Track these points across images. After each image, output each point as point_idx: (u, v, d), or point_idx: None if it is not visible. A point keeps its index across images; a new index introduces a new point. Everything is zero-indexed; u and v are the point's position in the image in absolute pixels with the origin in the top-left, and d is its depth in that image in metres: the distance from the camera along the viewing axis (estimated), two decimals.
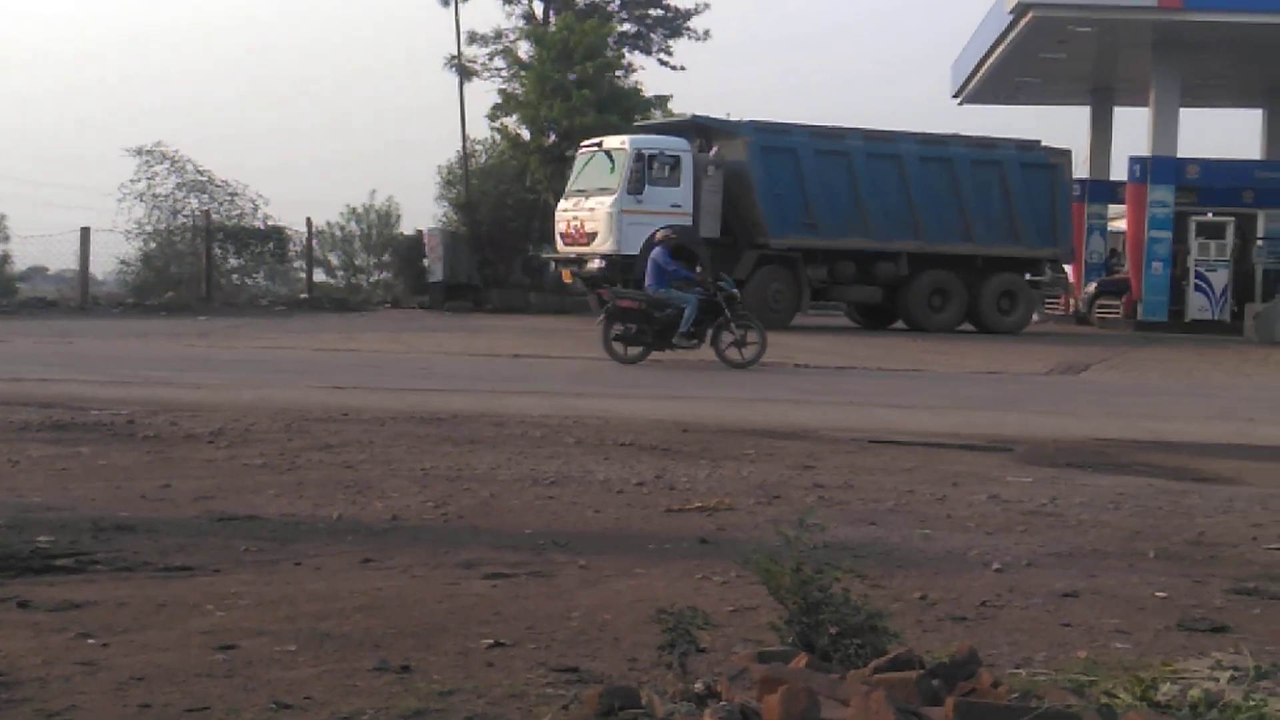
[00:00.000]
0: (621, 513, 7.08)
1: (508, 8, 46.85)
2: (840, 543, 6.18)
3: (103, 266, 32.78)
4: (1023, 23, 32.99)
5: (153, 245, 32.19)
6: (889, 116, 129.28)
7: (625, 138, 28.00)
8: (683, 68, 46.77)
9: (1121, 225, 38.51)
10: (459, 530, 6.47)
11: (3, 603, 4.82)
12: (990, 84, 41.04)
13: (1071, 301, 40.72)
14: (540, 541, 6.22)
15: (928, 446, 10.60)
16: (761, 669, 3.58)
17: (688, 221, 26.62)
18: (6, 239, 30.91)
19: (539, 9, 46.37)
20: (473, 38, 46.03)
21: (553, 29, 41.63)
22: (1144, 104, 35.86)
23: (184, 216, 32.54)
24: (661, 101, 41.68)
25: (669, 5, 46.23)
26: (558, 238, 28.68)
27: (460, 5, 45.33)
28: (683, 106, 38.63)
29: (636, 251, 25.79)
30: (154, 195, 32.37)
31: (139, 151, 32.42)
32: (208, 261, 30.86)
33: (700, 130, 28.92)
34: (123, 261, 32.38)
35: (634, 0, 46.51)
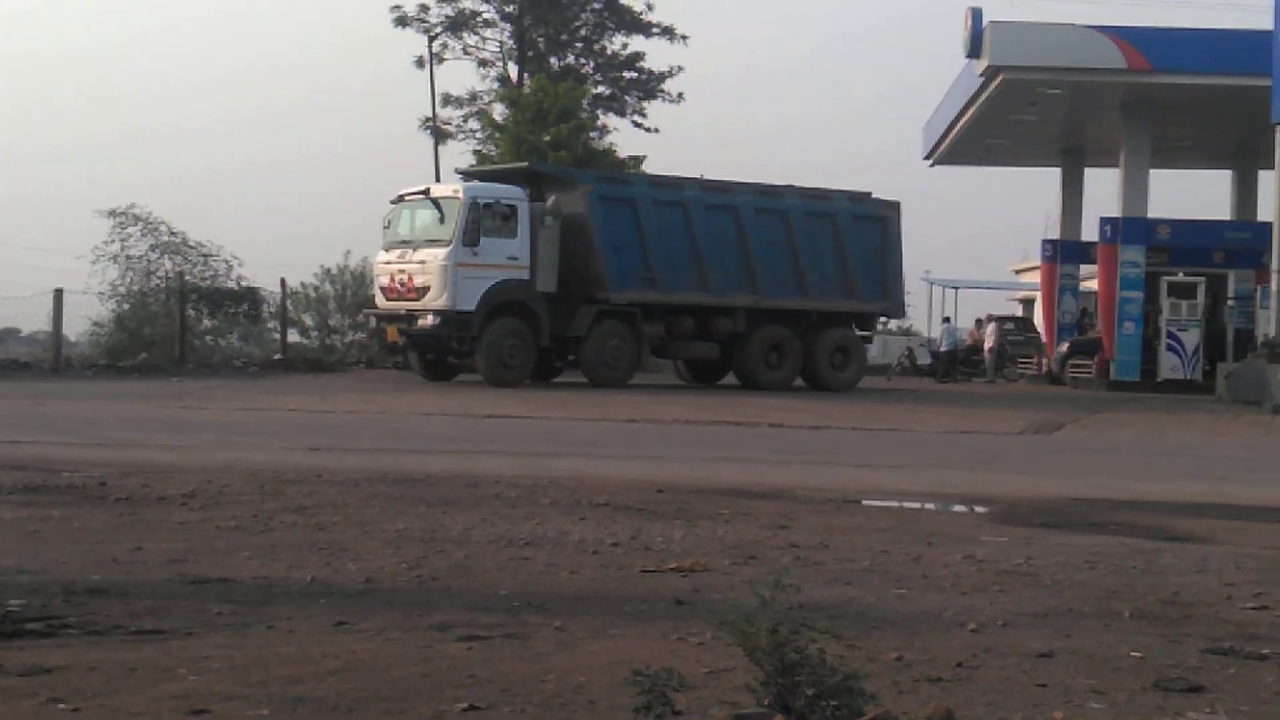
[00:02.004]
0: (597, 574, 7.06)
1: (482, 70, 47.34)
2: (816, 603, 6.17)
3: (76, 328, 32.72)
4: (993, 85, 33.35)
5: (126, 307, 32.11)
6: (861, 179, 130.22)
7: (458, 185, 26.85)
8: (656, 129, 47.01)
9: (1093, 285, 38.79)
10: (433, 592, 6.44)
11: None
12: (961, 145, 41.42)
13: (1044, 361, 40.95)
14: (515, 603, 6.19)
15: (903, 506, 10.61)
16: None
17: (524, 275, 26.00)
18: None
19: (514, 71, 46.74)
20: (447, 100, 46.41)
21: (527, 91, 41.91)
22: (1114, 165, 36.26)
23: (158, 278, 32.49)
24: (636, 162, 41.95)
25: (643, 68, 46.63)
26: (378, 292, 27.32)
27: (435, 68, 45.77)
28: (657, 167, 38.83)
29: (473, 307, 25.29)
30: (127, 257, 32.33)
31: (112, 213, 32.41)
32: (181, 323, 30.80)
33: (533, 178, 27.85)
34: (96, 323, 32.31)
35: (608, 63, 46.91)
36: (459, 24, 46.21)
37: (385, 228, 27.12)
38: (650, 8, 46.22)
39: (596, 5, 46.56)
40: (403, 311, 25.96)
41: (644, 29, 46.25)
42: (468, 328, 25.37)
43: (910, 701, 4.58)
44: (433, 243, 25.79)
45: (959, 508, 10.94)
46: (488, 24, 46.84)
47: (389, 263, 26.57)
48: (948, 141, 40.82)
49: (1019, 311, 56.20)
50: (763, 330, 28.45)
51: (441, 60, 46.14)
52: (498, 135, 42.05)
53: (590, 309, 26.68)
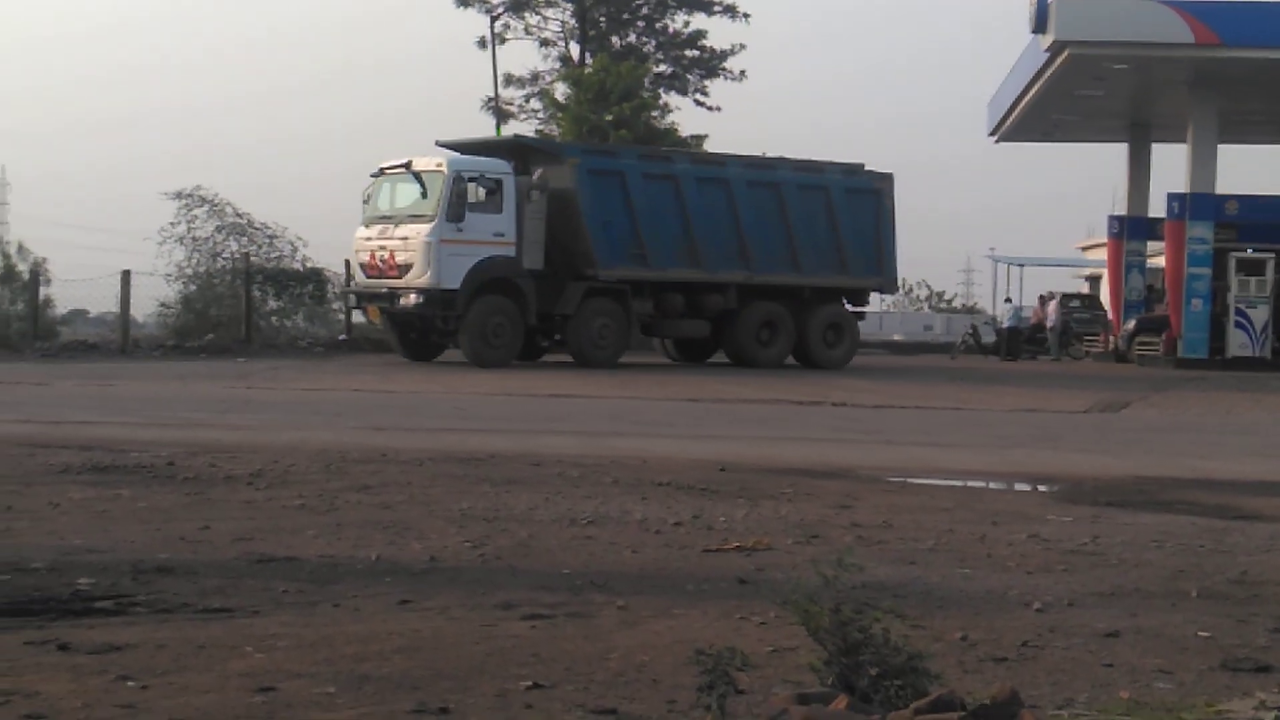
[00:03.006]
0: (659, 553, 7.07)
1: (544, 50, 47.25)
2: (879, 582, 6.15)
3: (143, 309, 33.02)
4: (1059, 60, 32.98)
5: (193, 288, 32.37)
6: (926, 154, 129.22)
7: (441, 159, 25.56)
8: (719, 108, 46.79)
9: (1160, 262, 38.36)
10: (497, 571, 6.47)
11: (43, 645, 4.84)
12: (1027, 122, 41.01)
13: (1111, 339, 40.56)
14: (578, 582, 6.21)
15: (967, 485, 10.56)
16: (801, 711, 3.56)
17: (510, 251, 25.09)
18: (48, 283, 31.09)
19: (575, 51, 46.67)
20: (509, 80, 46.41)
21: (589, 71, 41.88)
22: (1182, 140, 35.77)
23: (223, 259, 32.72)
24: (698, 141, 41.84)
25: (705, 46, 46.43)
26: (357, 270, 26.50)
27: (497, 48, 45.81)
28: (719, 146, 38.73)
29: (458, 285, 24.39)
30: (194, 238, 32.58)
31: (178, 195, 32.67)
32: (247, 304, 31.03)
33: (520, 151, 26.70)
34: (163, 304, 32.59)
35: (670, 41, 46.75)
36: (521, 4, 46.19)
37: (365, 202, 26.14)
38: None
39: None
40: (384, 290, 25.10)
41: (705, 7, 46.04)
42: (452, 306, 24.50)
43: (975, 681, 4.56)
44: (415, 218, 24.91)
45: (1024, 486, 10.87)
46: (549, 3, 46.77)
47: (369, 239, 25.64)
48: (1013, 118, 40.42)
49: (1085, 289, 55.69)
50: (754, 307, 27.72)
51: (503, 40, 46.15)
52: (559, 115, 42.05)
53: (578, 286, 25.78)
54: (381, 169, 26.08)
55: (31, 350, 27.23)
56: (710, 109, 46.76)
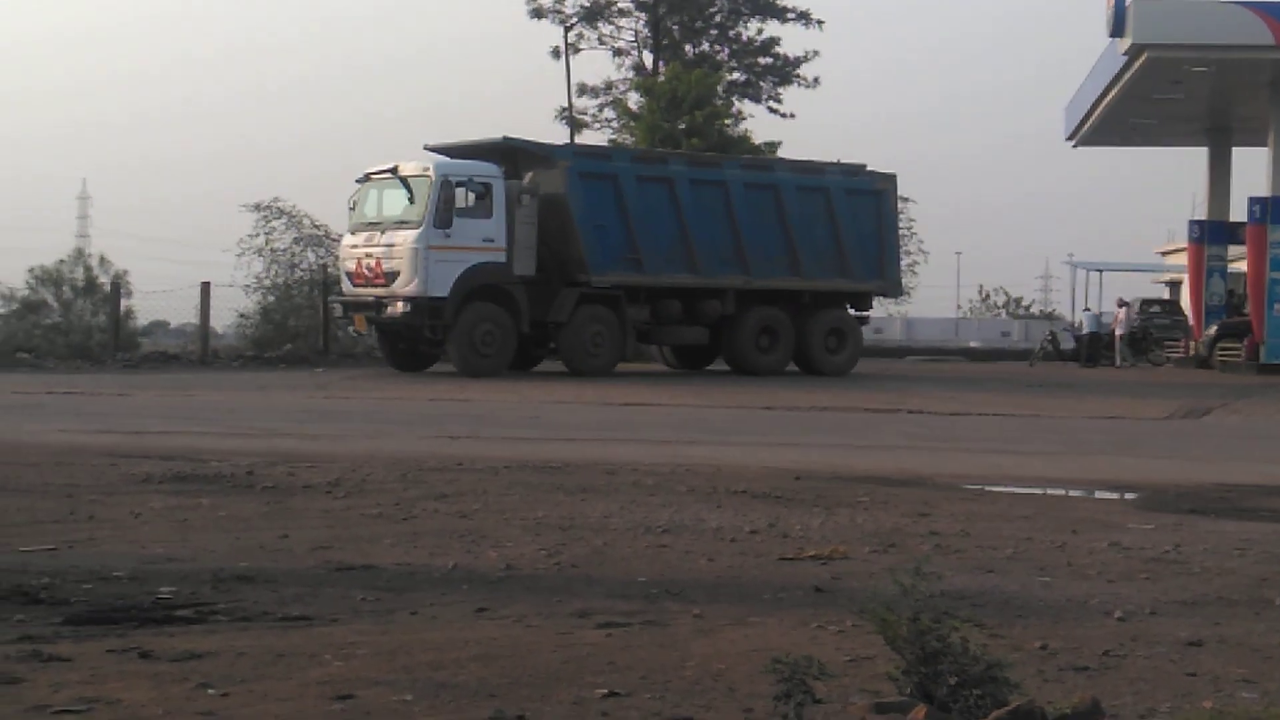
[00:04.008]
0: (735, 561, 7.05)
1: (617, 59, 47.39)
2: (958, 591, 6.10)
3: (222, 320, 33.35)
4: (1137, 64, 32.65)
5: (271, 299, 32.69)
6: (1004, 160, 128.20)
7: (428, 163, 24.81)
8: (792, 115, 46.72)
9: (1242, 267, 37.87)
10: (572, 579, 6.48)
11: (125, 653, 4.89)
12: (1104, 126, 40.63)
13: (1191, 344, 40.10)
14: (653, 590, 6.20)
15: (1046, 493, 10.45)
16: None
17: (501, 257, 24.38)
18: (129, 295, 31.47)
19: (648, 60, 46.76)
20: (583, 89, 46.56)
21: (662, 79, 41.94)
22: (1263, 144, 35.29)
23: (301, 270, 33.01)
24: (771, 148, 41.76)
25: (778, 53, 46.37)
26: (344, 278, 25.75)
27: (570, 58, 45.99)
28: (792, 153, 38.60)
29: (446, 293, 23.72)
30: (272, 250, 32.88)
31: (257, 207, 33.01)
32: (325, 314, 31.27)
33: (510, 154, 25.81)
34: (242, 315, 32.92)
35: (743, 49, 46.74)
36: (594, 14, 46.34)
37: (351, 209, 25.54)
38: None
39: None
40: (370, 298, 24.39)
41: (779, 14, 46.00)
42: (440, 315, 23.82)
43: (1056, 691, 4.51)
44: (402, 224, 24.21)
45: (1104, 494, 10.75)
46: (623, 13, 46.92)
47: (356, 246, 25.01)
48: (1091, 122, 40.05)
49: (1165, 294, 55.08)
50: (753, 312, 26.99)
51: (577, 50, 46.32)
52: (633, 124, 42.14)
53: (571, 293, 25.05)
54: (367, 174, 25.42)
55: (113, 361, 27.60)
56: (784, 116, 46.74)
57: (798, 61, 46.30)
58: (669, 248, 26.12)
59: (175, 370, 26.75)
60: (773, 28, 46.44)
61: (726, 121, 41.83)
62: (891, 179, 29.49)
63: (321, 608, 5.73)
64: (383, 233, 24.48)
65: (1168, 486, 10.79)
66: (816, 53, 46.37)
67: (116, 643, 5.04)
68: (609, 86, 46.84)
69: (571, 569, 6.74)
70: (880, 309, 69.76)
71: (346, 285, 25.58)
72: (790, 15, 45.92)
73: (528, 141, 25.86)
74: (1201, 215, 41.87)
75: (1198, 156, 43.06)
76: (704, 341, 27.28)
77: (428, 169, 24.39)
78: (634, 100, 44.04)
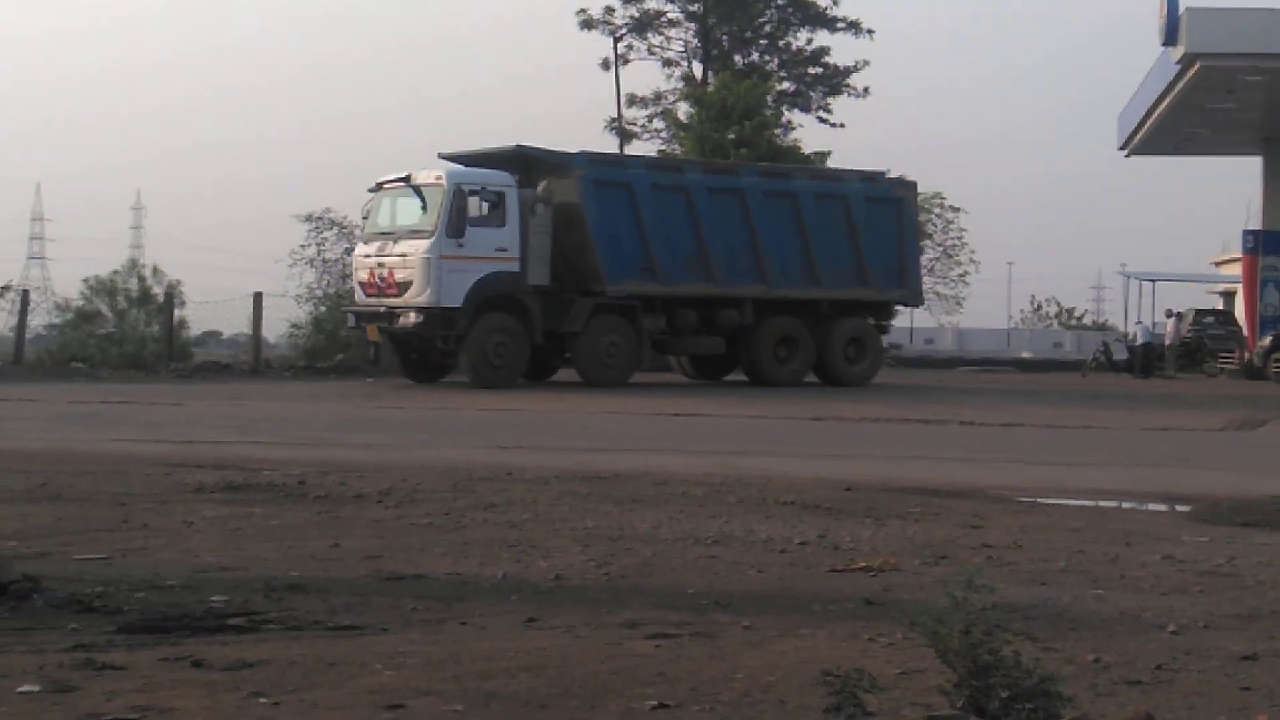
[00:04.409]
0: (785, 572, 7.03)
1: (667, 70, 47.50)
2: (1010, 604, 6.05)
3: (274, 330, 33.64)
4: (1190, 73, 32.44)
5: (323, 309, 32.88)
6: (1055, 170, 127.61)
7: (440, 171, 24.54)
8: (842, 125, 46.67)
9: None
10: (621, 590, 6.47)
11: (178, 661, 4.92)
12: (1158, 135, 40.39)
13: (1245, 355, 39.78)
14: (703, 601, 6.19)
15: (1098, 505, 10.38)
16: None
17: (515, 267, 24.15)
18: (183, 305, 31.74)
19: (698, 70, 46.82)
20: (633, 100, 46.69)
21: (711, 89, 41.97)
22: None
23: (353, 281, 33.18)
24: (821, 158, 41.73)
25: (828, 63, 46.34)
26: (356, 288, 25.55)
27: (620, 69, 46.09)
28: (842, 163, 38.55)
29: (459, 303, 23.50)
30: (323, 260, 33.11)
31: (308, 218, 33.22)
32: None
33: (523, 162, 25.52)
34: (294, 325, 33.16)
35: (793, 59, 46.73)
36: (644, 25, 46.45)
37: (364, 218, 25.49)
38: (835, 2, 46.00)
39: (781, 1, 46.43)
40: (382, 309, 24.21)
41: (829, 23, 46.00)
42: (453, 325, 23.62)
43: (1109, 705, 4.47)
44: (414, 234, 23.98)
45: (1157, 506, 10.66)
46: (672, 24, 47.05)
47: (368, 256, 24.86)
48: (1144, 131, 39.82)
49: (1219, 305, 54.61)
50: (771, 322, 26.73)
51: (626, 61, 46.45)
52: (682, 134, 42.19)
53: (585, 303, 24.87)
54: (380, 183, 25.26)
55: (166, 371, 27.83)
56: (833, 125, 46.69)
57: (847, 71, 46.28)
58: (685, 257, 25.88)
59: (228, 380, 26.93)
60: (822, 37, 46.45)
61: (776, 131, 41.85)
62: (912, 186, 29.27)
63: (372, 617, 5.75)
64: (395, 242, 24.29)
65: (1222, 499, 10.68)
66: (866, 62, 46.37)
67: (169, 651, 5.07)
68: (658, 97, 46.98)
69: (621, 579, 6.74)
70: (931, 319, 69.59)
71: (359, 295, 25.35)
72: (840, 25, 45.90)
73: (541, 149, 25.60)
74: (1256, 225, 41.55)
75: (1252, 166, 42.74)
76: (721, 351, 27.00)
77: (440, 178, 24.15)
78: (683, 110, 44.15)
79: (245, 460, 11.68)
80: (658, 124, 46.47)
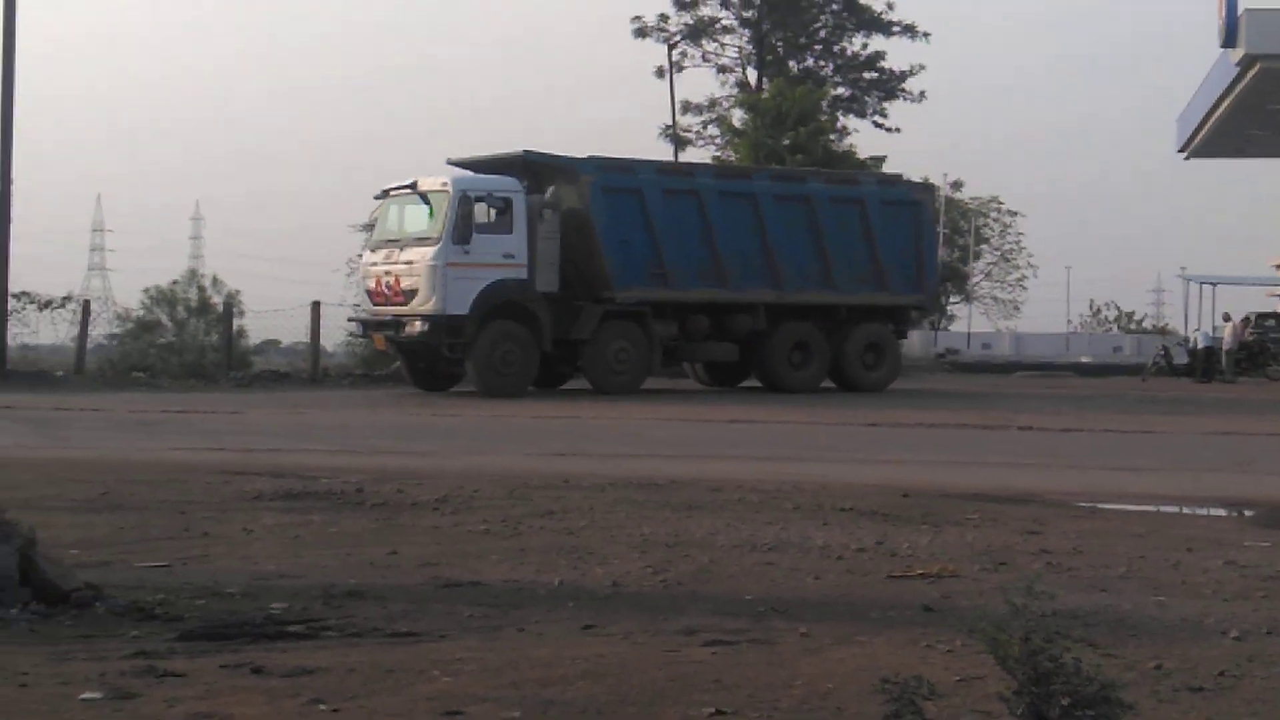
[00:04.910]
0: (842, 579, 7.00)
1: (721, 76, 47.49)
2: (1070, 610, 6.00)
3: (332, 339, 33.71)
4: (1250, 75, 32.15)
5: None
6: (1114, 172, 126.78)
7: (446, 178, 24.31)
8: (898, 129, 46.49)
9: None
10: (678, 596, 6.47)
11: (238, 669, 4.95)
12: (1217, 138, 40.03)
13: None
14: (760, 608, 6.18)
15: (1159, 510, 10.29)
16: None
17: (522, 274, 23.82)
18: (241, 314, 31.95)
19: (752, 76, 46.77)
20: (687, 107, 46.69)
21: (766, 95, 41.93)
22: None
23: None
24: (876, 163, 41.59)
25: (883, 68, 46.19)
26: (365, 296, 25.28)
27: (674, 76, 46.11)
28: (898, 168, 38.40)
29: (466, 311, 23.25)
30: None
31: (365, 227, 33.38)
32: None
33: (531, 168, 25.18)
34: (351, 334, 33.29)
35: (848, 64, 46.61)
36: (698, 32, 46.46)
37: (371, 226, 25.11)
38: (891, 6, 45.87)
39: (835, 6, 46.32)
40: (389, 317, 24.00)
41: (884, 28, 45.86)
42: (459, 333, 23.35)
43: (1170, 711, 4.44)
44: (421, 241, 23.75)
45: (1219, 511, 10.56)
46: (726, 30, 47.04)
47: (375, 264, 24.61)
48: (1203, 134, 39.47)
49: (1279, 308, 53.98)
50: (786, 328, 26.33)
51: (681, 68, 46.45)
52: (737, 141, 42.17)
53: (595, 309, 24.51)
54: (386, 190, 25.06)
55: (225, 380, 28.03)
56: (889, 130, 46.54)
57: (903, 75, 46.13)
58: (697, 262, 25.53)
59: (286, 388, 27.10)
60: (878, 42, 46.30)
61: (831, 137, 41.75)
62: (930, 189, 28.95)
63: (430, 624, 5.77)
64: (401, 250, 24.08)
65: None
66: (922, 66, 46.22)
67: (230, 658, 5.11)
68: (713, 104, 46.93)
69: (678, 586, 6.73)
70: (988, 324, 69.18)
71: (367, 304, 25.18)
72: (895, 29, 45.73)
73: (548, 155, 25.32)
74: None
75: None
76: (734, 358, 26.64)
77: (446, 184, 23.94)
78: (738, 117, 44.10)
79: (303, 468, 11.75)
80: (712, 130, 46.45)
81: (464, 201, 23.52)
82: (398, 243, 24.31)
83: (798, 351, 26.57)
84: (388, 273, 24.08)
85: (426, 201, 23.95)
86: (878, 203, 27.18)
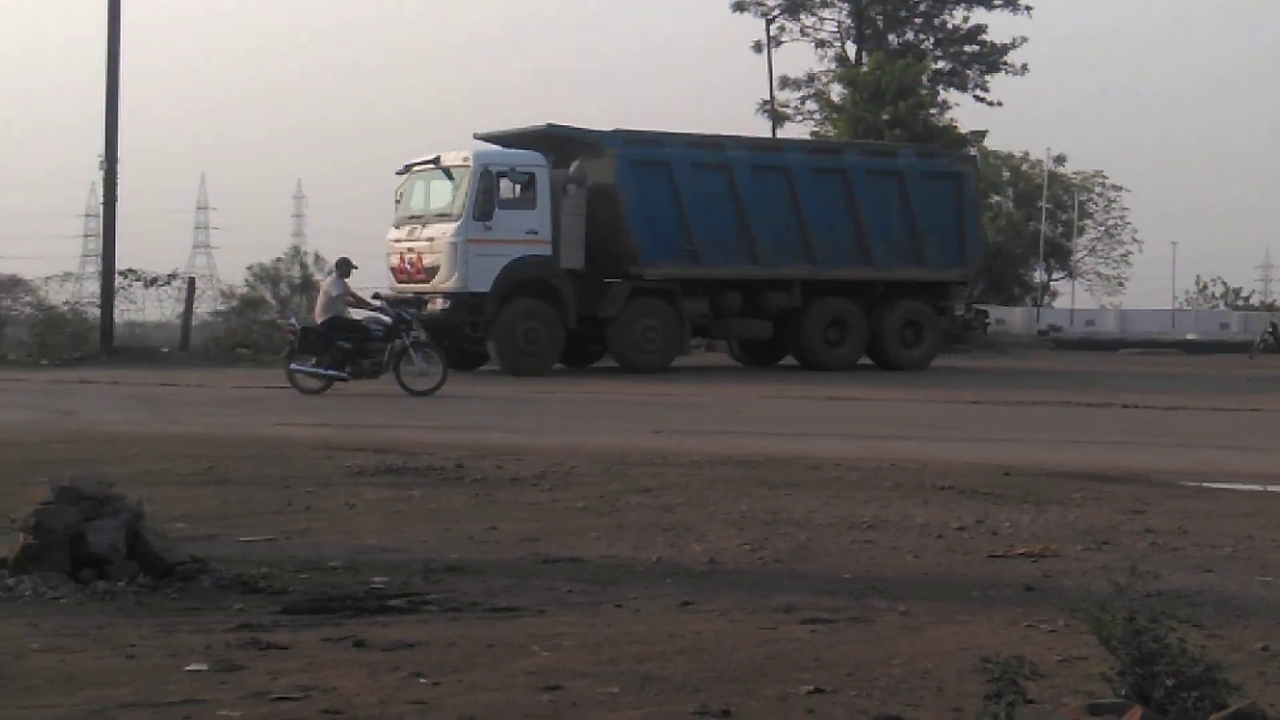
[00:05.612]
0: (942, 558, 6.95)
1: (820, 51, 47.16)
2: (1175, 590, 5.92)
3: None
4: None
5: None
6: (1220, 146, 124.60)
7: (468, 152, 23.63)
8: (1000, 103, 45.91)
9: None
10: (776, 574, 6.46)
11: (340, 642, 5.01)
12: None
13: None
14: (858, 587, 6.15)
15: (1267, 490, 10.11)
16: None
17: (546, 250, 23.10)
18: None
19: (851, 51, 46.42)
20: (785, 82, 46.44)
21: (864, 70, 41.61)
22: None
23: None
24: (978, 137, 41.16)
25: (984, 41, 45.64)
26: (389, 274, 24.63)
27: (772, 51, 45.90)
28: (999, 142, 37.93)
29: (488, 288, 22.61)
30: None
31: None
32: None
33: (556, 142, 24.42)
34: None
35: (949, 37, 46.10)
36: (796, 6, 46.15)
37: (397, 201, 24.49)
38: None
39: None
40: (411, 295, 23.17)
41: (985, 1, 45.29)
42: (481, 311, 22.68)
43: (1278, 693, 4.36)
44: (442, 217, 23.15)
45: None
46: (825, 4, 46.66)
47: (399, 240, 23.93)
48: None
49: None
50: (821, 304, 25.48)
51: (779, 43, 46.19)
52: (835, 116, 41.90)
53: (622, 287, 23.77)
54: (408, 165, 24.45)
55: None
56: (991, 104, 45.99)
57: (1005, 48, 45.50)
58: (728, 238, 24.73)
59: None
60: (979, 15, 45.72)
61: (931, 111, 41.35)
62: (972, 160, 27.83)
63: (529, 599, 5.81)
64: (424, 226, 23.57)
65: None
66: (1025, 39, 45.54)
67: (332, 631, 5.17)
68: (811, 79, 46.62)
69: (775, 564, 6.72)
70: (1093, 301, 68.28)
71: (391, 280, 24.54)
72: (997, 2, 45.14)
73: (573, 128, 24.64)
74: None
75: None
76: (768, 335, 25.82)
77: (467, 159, 23.35)
78: (836, 92, 43.83)
79: (404, 444, 11.85)
80: (810, 106, 46.17)
81: (485, 176, 22.97)
82: (420, 219, 23.82)
83: (834, 328, 25.84)
84: (410, 250, 23.59)
85: (449, 176, 23.42)
86: (917, 175, 26.36)
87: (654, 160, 24.25)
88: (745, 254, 24.91)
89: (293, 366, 18.31)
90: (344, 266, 18.98)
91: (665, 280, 24.17)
